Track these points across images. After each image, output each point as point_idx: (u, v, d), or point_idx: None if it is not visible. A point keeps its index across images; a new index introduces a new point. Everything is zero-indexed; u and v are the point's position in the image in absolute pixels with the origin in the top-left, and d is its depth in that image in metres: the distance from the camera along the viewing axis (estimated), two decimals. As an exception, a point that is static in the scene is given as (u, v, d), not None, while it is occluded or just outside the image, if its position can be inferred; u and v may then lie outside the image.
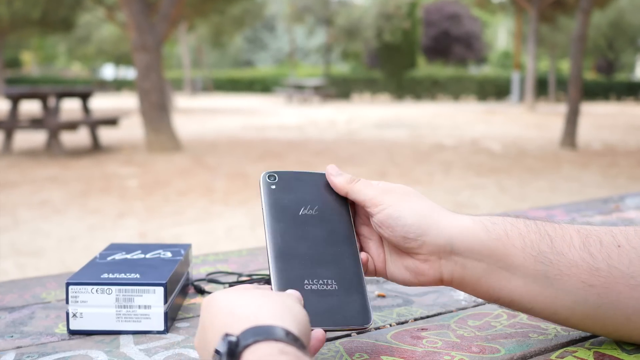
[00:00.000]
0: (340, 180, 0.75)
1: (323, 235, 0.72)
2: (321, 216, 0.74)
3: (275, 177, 0.75)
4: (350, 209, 0.76)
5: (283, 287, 0.67)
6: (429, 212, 0.70)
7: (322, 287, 0.69)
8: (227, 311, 0.56)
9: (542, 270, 0.66)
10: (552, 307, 0.67)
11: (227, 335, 0.51)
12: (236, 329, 0.52)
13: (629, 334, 0.67)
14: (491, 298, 0.70)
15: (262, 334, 0.50)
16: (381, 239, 0.75)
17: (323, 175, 0.77)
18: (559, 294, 0.66)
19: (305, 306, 0.64)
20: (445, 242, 0.69)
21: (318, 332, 0.63)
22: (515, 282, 0.67)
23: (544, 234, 0.68)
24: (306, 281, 0.68)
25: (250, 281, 0.95)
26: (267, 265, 0.70)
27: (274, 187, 0.74)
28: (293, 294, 0.64)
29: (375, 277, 0.79)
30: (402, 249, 0.71)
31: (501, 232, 0.68)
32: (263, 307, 0.55)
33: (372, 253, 0.74)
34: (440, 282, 0.71)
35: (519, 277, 0.67)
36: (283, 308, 0.56)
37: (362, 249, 0.75)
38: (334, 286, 0.69)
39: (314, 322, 0.64)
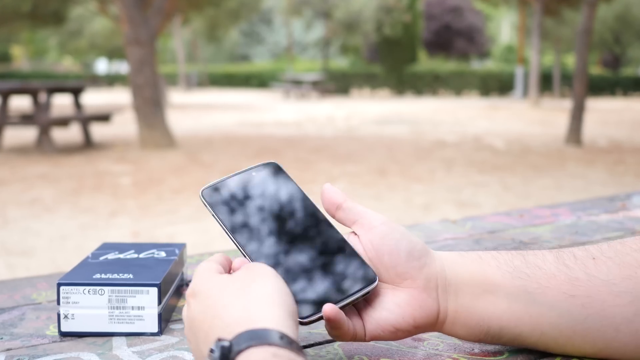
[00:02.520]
0: (337, 193, 0.70)
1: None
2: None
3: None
4: None
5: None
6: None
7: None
8: (213, 313, 0.56)
9: (521, 285, 0.65)
10: (539, 328, 0.66)
11: (219, 340, 0.51)
12: (227, 333, 0.52)
13: (621, 349, 0.65)
14: (482, 331, 0.67)
15: (256, 338, 0.50)
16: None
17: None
18: (543, 309, 0.65)
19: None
20: (440, 269, 0.66)
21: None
22: (501, 305, 0.66)
23: (515, 254, 0.68)
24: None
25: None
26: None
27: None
28: (267, 271, 0.60)
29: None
30: (397, 275, 0.66)
31: (474, 255, 0.68)
32: (250, 308, 0.54)
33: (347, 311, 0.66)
34: (435, 320, 0.66)
35: (502, 297, 0.66)
36: (269, 302, 0.55)
37: None
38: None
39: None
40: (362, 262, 0.66)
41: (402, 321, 0.65)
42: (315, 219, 0.70)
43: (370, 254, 0.67)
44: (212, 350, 0.51)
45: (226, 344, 0.50)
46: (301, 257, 0.67)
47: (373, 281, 0.65)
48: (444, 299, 0.66)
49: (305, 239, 0.69)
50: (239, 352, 0.49)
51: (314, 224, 0.70)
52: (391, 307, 0.65)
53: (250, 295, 0.56)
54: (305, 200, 0.71)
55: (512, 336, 0.67)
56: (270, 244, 0.67)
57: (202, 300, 0.58)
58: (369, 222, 0.68)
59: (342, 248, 0.68)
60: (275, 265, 0.66)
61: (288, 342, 0.50)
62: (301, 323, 0.62)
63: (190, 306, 0.60)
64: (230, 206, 0.70)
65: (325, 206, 0.70)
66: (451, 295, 0.66)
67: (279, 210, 0.70)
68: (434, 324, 0.67)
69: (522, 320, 0.66)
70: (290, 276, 0.65)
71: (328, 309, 0.62)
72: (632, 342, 0.64)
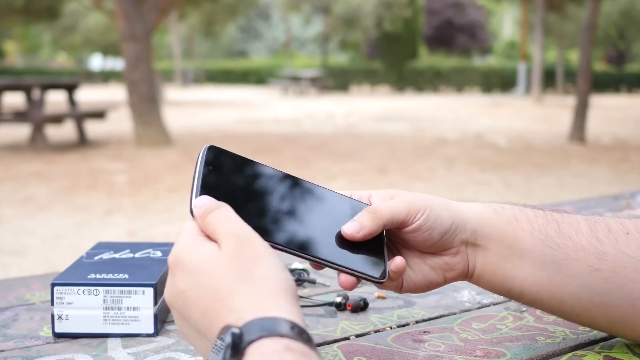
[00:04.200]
0: (369, 228, 0.67)
1: None
2: None
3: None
4: None
5: None
6: (448, 203, 0.71)
7: None
8: (212, 296, 0.54)
9: (550, 254, 0.68)
10: (558, 295, 0.69)
11: (229, 327, 0.50)
12: (235, 319, 0.51)
13: (631, 325, 0.68)
14: (504, 289, 0.71)
15: (267, 329, 0.49)
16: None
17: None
18: (565, 280, 0.68)
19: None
20: (472, 229, 0.70)
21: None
22: (526, 269, 0.69)
23: (551, 219, 0.70)
24: None
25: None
26: None
27: None
28: (261, 248, 0.57)
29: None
30: (432, 249, 0.70)
31: (510, 216, 0.71)
32: (257, 294, 0.53)
33: None
34: (465, 275, 0.71)
35: (529, 263, 0.69)
36: (274, 287, 0.54)
37: None
38: None
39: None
40: (383, 255, 0.68)
41: (434, 281, 0.71)
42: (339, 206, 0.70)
43: (403, 244, 0.71)
44: (220, 338, 0.50)
45: (237, 331, 0.49)
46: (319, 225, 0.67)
47: (381, 279, 0.67)
48: (473, 255, 0.70)
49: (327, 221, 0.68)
50: (251, 342, 0.48)
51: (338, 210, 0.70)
52: (426, 270, 0.70)
53: (253, 279, 0.54)
54: (331, 194, 0.71)
55: (532, 299, 0.70)
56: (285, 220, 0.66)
57: (194, 276, 0.55)
58: (407, 222, 0.69)
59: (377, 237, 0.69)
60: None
61: (299, 333, 0.49)
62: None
63: (177, 277, 0.57)
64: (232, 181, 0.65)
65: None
66: (479, 253, 0.70)
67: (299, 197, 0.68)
68: (464, 277, 0.72)
69: (544, 287, 0.69)
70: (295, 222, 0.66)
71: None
72: None
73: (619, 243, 0.67)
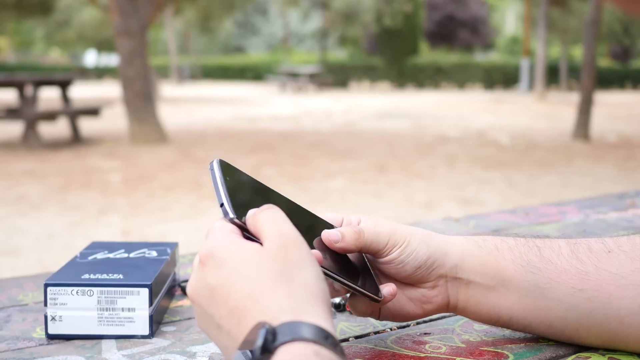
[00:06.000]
0: (349, 243, 0.69)
1: None
2: None
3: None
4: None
5: None
6: (430, 238, 0.72)
7: None
8: (246, 292, 0.54)
9: (533, 280, 0.70)
10: (546, 320, 0.70)
11: (264, 324, 0.50)
12: (269, 318, 0.51)
13: (624, 340, 0.69)
14: (492, 319, 0.73)
15: (301, 333, 0.50)
16: None
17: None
18: (550, 303, 0.70)
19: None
20: (452, 264, 0.71)
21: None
22: (511, 297, 0.71)
23: (532, 246, 0.72)
24: None
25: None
26: None
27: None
28: (305, 253, 0.58)
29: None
30: (407, 281, 0.72)
31: (491, 247, 0.72)
32: (295, 298, 0.53)
33: (360, 299, 0.71)
34: (446, 307, 0.73)
35: (513, 291, 0.71)
36: (313, 294, 0.55)
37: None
38: None
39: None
40: (373, 278, 0.72)
41: (412, 313, 0.73)
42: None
43: (383, 270, 0.73)
44: (252, 335, 0.51)
45: (271, 329, 0.50)
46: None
47: (380, 298, 0.70)
48: (454, 290, 0.72)
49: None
50: (283, 342, 0.49)
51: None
52: (404, 301, 0.72)
53: (292, 282, 0.55)
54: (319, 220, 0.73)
55: (522, 326, 0.72)
56: None
57: (229, 272, 0.56)
58: (383, 253, 0.71)
59: (363, 263, 0.73)
60: None
61: (333, 344, 0.50)
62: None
63: (207, 271, 0.58)
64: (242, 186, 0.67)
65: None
66: (462, 286, 0.72)
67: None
68: (445, 310, 0.73)
69: (531, 313, 0.71)
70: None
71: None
72: (635, 333, 0.68)
73: (600, 262, 0.69)
